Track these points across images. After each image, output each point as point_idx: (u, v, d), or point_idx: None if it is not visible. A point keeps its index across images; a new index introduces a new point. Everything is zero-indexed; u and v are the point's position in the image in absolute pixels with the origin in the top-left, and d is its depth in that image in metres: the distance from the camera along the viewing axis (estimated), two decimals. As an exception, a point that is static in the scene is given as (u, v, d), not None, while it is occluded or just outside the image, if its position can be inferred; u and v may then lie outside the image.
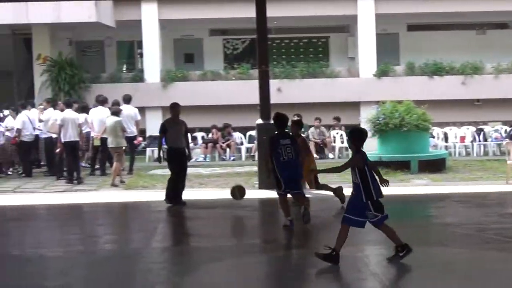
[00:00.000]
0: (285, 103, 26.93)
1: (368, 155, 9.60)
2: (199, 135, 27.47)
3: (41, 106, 22.80)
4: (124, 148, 19.80)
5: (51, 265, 10.56)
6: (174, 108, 16.08)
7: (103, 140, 21.09)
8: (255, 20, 18.43)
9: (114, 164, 19.26)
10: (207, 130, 27.11)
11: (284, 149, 12.33)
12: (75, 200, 17.17)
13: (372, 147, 22.79)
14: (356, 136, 9.79)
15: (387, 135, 21.19)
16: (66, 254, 11.24)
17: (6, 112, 23.40)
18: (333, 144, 26.84)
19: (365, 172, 9.44)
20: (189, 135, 16.40)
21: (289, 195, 12.53)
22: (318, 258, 9.47)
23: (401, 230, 9.84)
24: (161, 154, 16.16)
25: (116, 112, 19.73)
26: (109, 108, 21.60)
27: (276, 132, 12.76)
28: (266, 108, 18.20)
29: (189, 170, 21.12)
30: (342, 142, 27.00)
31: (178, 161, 15.61)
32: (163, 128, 15.80)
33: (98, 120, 21.39)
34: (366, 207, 9.45)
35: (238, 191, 14.56)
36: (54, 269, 10.30)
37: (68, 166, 20.11)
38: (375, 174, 9.55)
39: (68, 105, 20.68)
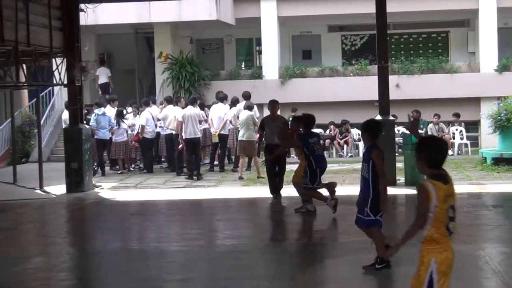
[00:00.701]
0: (404, 99, 26.68)
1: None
2: (316, 131, 27.40)
3: (162, 105, 23.19)
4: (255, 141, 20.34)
5: (172, 259, 10.73)
6: (271, 104, 16.32)
7: (222, 137, 21.37)
8: (375, 16, 18.35)
9: (254, 158, 20.31)
10: (325, 127, 27.04)
11: (315, 146, 13.35)
12: (195, 195, 17.44)
13: (493, 144, 22.31)
14: (373, 128, 9.43)
15: (509, 131, 20.63)
16: (187, 249, 11.42)
17: (129, 109, 23.92)
18: (452, 140, 26.32)
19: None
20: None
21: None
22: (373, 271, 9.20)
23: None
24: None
25: (249, 107, 20.57)
26: (229, 104, 21.93)
27: (303, 131, 13.60)
28: (385, 104, 18.14)
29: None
30: (462, 139, 26.50)
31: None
32: (261, 125, 16.23)
33: (217, 117, 21.66)
34: (365, 203, 9.23)
35: None
36: (176, 263, 10.47)
37: (188, 162, 20.45)
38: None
39: (192, 102, 20.90)
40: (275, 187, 15.91)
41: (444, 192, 5.92)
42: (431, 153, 6.05)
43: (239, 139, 20.27)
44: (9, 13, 15.45)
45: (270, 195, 15.97)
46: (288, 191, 15.69)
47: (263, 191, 16.79)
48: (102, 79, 28.11)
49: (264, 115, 26.70)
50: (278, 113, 16.79)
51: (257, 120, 20.47)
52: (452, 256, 5.97)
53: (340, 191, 15.01)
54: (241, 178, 19.84)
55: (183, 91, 28.01)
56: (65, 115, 21.71)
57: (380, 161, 9.22)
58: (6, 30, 15.23)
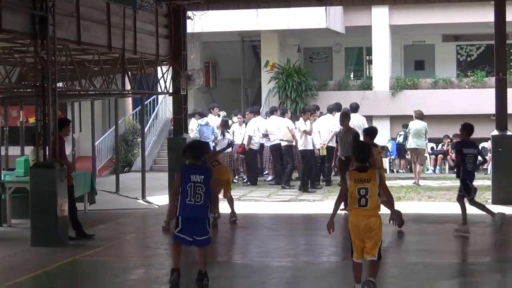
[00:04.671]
0: (523, 113, 25.50)
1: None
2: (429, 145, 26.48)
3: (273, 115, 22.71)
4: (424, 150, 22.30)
5: (277, 275, 10.54)
6: (341, 117, 16.66)
7: (330, 150, 20.75)
8: (493, 25, 17.64)
9: (418, 166, 21.31)
10: (438, 141, 26.04)
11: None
12: (300, 210, 17.03)
13: None
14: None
15: None
16: (291, 264, 11.33)
17: (234, 119, 23.56)
18: None
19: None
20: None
21: None
22: None
23: None
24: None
25: (421, 115, 21.70)
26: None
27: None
28: (502, 118, 17.46)
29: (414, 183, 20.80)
30: None
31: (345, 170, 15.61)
32: (336, 138, 16.75)
33: (326, 128, 21.02)
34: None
35: None
36: (280, 279, 10.27)
37: (301, 175, 20.31)
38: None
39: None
40: None
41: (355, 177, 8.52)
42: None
43: (409, 147, 21.91)
44: (116, 21, 15.42)
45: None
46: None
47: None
48: None
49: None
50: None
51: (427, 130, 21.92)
52: (356, 222, 8.51)
53: (452, 209, 14.41)
54: (418, 184, 20.91)
55: (289, 101, 27.56)
56: (192, 124, 21.93)
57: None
58: (113, 37, 15.22)
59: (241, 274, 10.50)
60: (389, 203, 9.16)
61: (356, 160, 8.76)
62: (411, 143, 21.77)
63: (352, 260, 8.68)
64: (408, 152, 23.04)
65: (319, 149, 20.58)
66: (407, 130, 22.23)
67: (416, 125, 21.59)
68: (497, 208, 15.95)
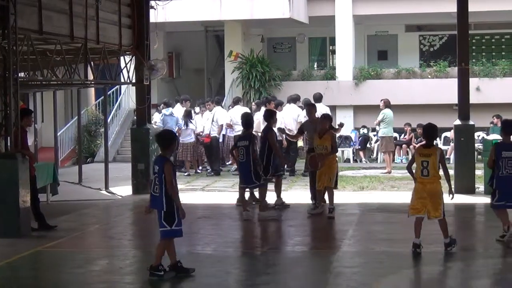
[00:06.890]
0: (485, 103, 25.78)
1: None
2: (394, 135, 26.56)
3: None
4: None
5: (239, 264, 10.71)
6: (308, 108, 16.24)
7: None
8: (456, 15, 17.68)
9: (391, 155, 22.24)
10: (401, 130, 26.16)
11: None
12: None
13: None
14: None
15: None
16: (255, 254, 11.41)
17: (197, 109, 23.46)
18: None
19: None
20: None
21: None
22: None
23: None
24: None
25: (390, 105, 22.19)
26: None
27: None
28: (465, 108, 17.55)
29: (382, 172, 20.80)
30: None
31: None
32: (300, 129, 16.38)
33: (291, 118, 20.94)
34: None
35: None
36: (242, 269, 10.41)
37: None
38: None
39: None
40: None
41: (420, 152, 10.52)
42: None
43: (386, 135, 21.98)
44: (79, 10, 15.26)
45: (343, 201, 15.68)
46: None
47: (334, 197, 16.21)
48: None
49: (338, 117, 26.21)
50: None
51: None
52: (420, 188, 10.43)
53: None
54: (389, 173, 21.31)
55: (253, 91, 27.56)
56: (155, 117, 21.99)
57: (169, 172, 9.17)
58: (75, 27, 15.04)
59: (205, 265, 10.44)
60: (446, 178, 10.70)
61: (424, 138, 10.91)
62: (387, 131, 21.95)
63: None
64: (380, 140, 22.86)
65: (287, 140, 20.51)
66: (382, 118, 22.10)
67: (390, 113, 21.92)
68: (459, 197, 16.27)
